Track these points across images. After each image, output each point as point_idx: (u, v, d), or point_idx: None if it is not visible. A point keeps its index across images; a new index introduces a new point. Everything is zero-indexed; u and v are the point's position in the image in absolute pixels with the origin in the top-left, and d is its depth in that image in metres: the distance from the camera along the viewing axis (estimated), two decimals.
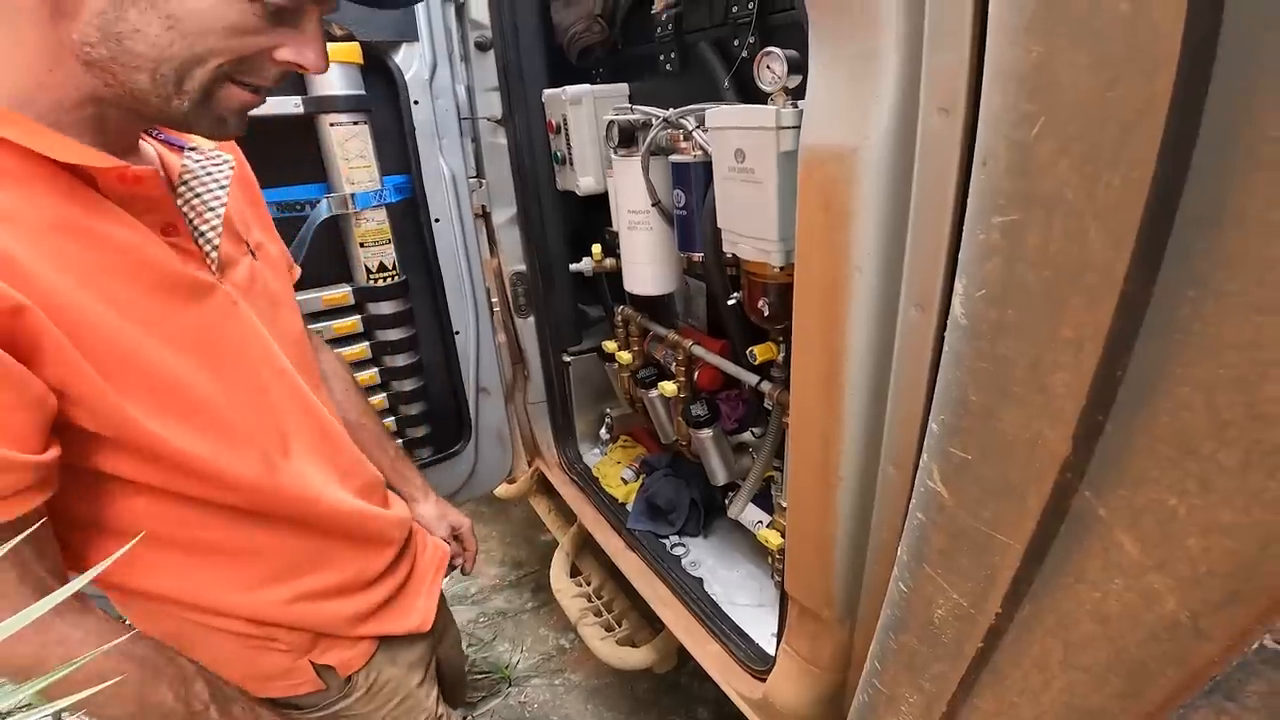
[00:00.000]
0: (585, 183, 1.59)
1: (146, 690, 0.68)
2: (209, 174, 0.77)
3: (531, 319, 1.91)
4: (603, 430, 2.04)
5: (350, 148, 1.40)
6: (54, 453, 0.60)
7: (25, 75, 0.60)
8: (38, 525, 0.61)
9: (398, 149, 1.52)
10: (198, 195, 0.74)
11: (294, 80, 1.35)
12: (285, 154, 1.39)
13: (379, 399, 1.63)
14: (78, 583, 0.39)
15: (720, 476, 1.54)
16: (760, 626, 1.38)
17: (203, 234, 0.73)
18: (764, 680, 1.15)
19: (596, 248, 1.67)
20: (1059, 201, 0.37)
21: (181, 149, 0.78)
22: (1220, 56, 0.32)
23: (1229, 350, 0.33)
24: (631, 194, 1.35)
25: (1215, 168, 0.33)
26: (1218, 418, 0.35)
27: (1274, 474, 0.34)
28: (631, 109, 1.34)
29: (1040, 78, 0.38)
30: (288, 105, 1.34)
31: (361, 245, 1.48)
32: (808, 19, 0.66)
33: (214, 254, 0.74)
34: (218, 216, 0.74)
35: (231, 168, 0.79)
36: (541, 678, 2.20)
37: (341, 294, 1.52)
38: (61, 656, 0.63)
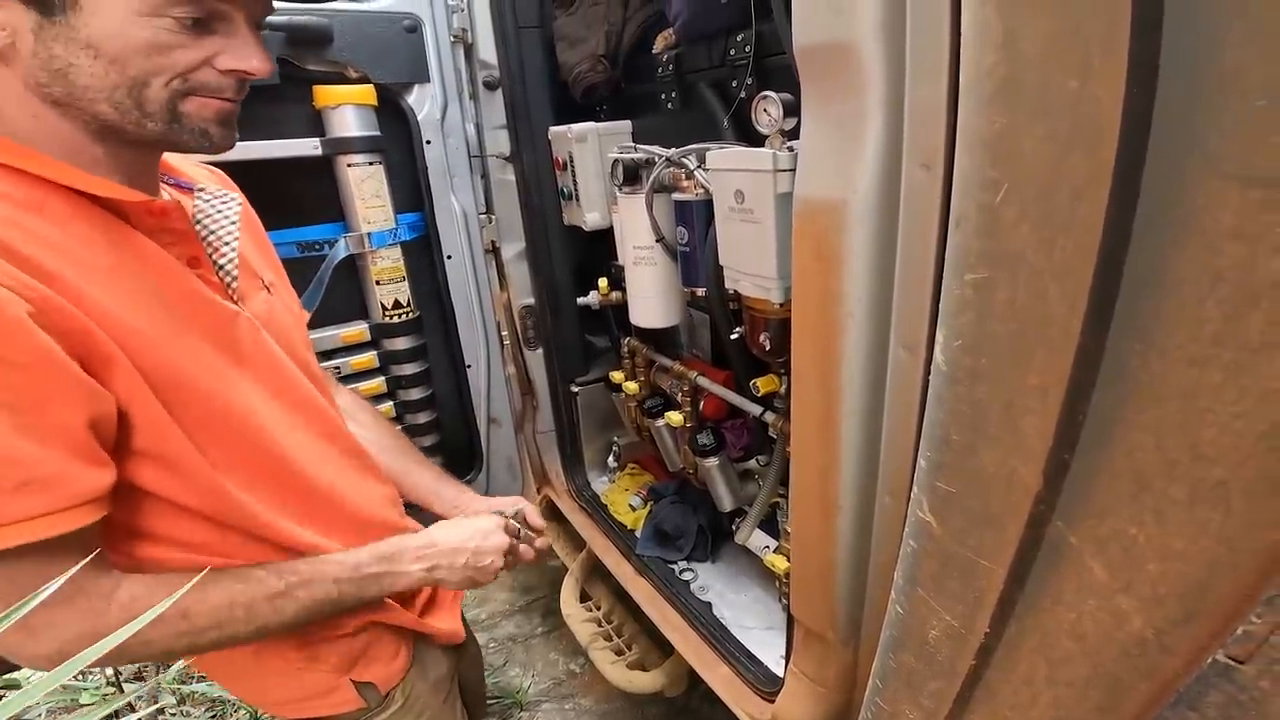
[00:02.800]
0: (591, 218, 1.65)
1: (228, 598, 0.75)
2: (219, 211, 0.82)
3: (540, 351, 1.95)
4: (610, 458, 2.09)
5: (366, 188, 1.46)
6: (111, 473, 0.66)
7: (32, 121, 0.65)
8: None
9: (411, 187, 1.58)
10: (212, 232, 0.80)
11: (313, 123, 1.41)
12: (304, 195, 1.45)
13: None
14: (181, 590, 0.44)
15: (727, 503, 1.57)
16: (769, 649, 1.41)
17: (222, 267, 0.79)
18: (772, 701, 1.18)
19: (603, 281, 1.72)
20: (1022, 262, 0.42)
21: (191, 190, 0.84)
22: (1154, 131, 0.36)
23: (1172, 399, 0.38)
24: (636, 230, 1.40)
25: (1154, 234, 0.37)
26: (1166, 457, 0.40)
27: (1215, 507, 0.38)
28: (635, 147, 1.39)
29: (1003, 146, 0.42)
30: (306, 147, 1.39)
31: (377, 283, 1.53)
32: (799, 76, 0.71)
33: (234, 284, 0.80)
34: (233, 250, 0.80)
35: (239, 204, 0.85)
36: (552, 702, 2.21)
37: (358, 331, 1.57)
38: (142, 608, 0.65)
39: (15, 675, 1.54)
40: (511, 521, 1.06)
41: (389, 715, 0.97)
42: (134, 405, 0.66)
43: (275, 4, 0.77)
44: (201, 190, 0.83)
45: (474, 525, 0.97)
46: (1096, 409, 0.41)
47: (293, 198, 1.44)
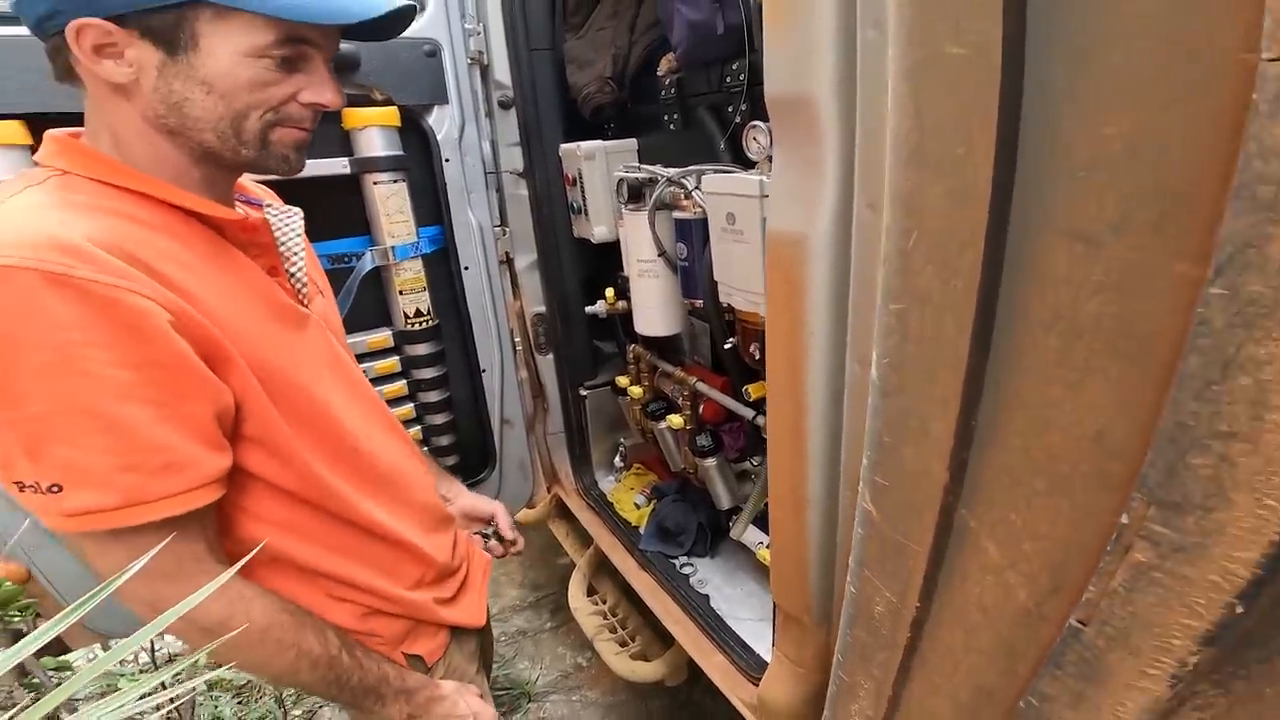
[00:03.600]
0: (599, 231, 1.75)
1: (298, 637, 0.84)
2: (288, 225, 0.93)
3: (551, 356, 2.05)
4: (617, 459, 2.19)
5: (391, 204, 1.56)
6: (229, 458, 0.77)
7: (148, 149, 0.76)
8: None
9: (431, 203, 1.68)
10: (283, 244, 0.91)
11: (342, 143, 1.52)
12: (335, 210, 1.54)
13: (414, 431, 1.77)
14: (241, 563, 0.56)
15: (724, 501, 1.67)
16: (761, 639, 1.49)
17: (294, 275, 0.90)
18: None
19: (610, 291, 1.81)
20: (928, 296, 0.52)
21: (260, 206, 0.94)
22: (1016, 193, 0.46)
23: (1031, 409, 0.48)
24: (640, 245, 1.50)
25: (1015, 277, 0.47)
26: (1030, 456, 0.50)
27: (1064, 496, 0.48)
28: (639, 167, 1.49)
29: (914, 201, 0.52)
30: (337, 166, 1.50)
31: (400, 293, 1.63)
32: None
33: (304, 290, 0.91)
34: (301, 259, 0.91)
35: (302, 219, 0.96)
36: (560, 694, 2.30)
37: (383, 337, 1.67)
38: (243, 610, 0.79)
39: (67, 658, 1.67)
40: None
41: None
42: (246, 398, 0.77)
43: None
44: (269, 206, 0.94)
45: (475, 706, 1.04)
46: (983, 416, 0.51)
47: (324, 213, 1.50)
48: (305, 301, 0.91)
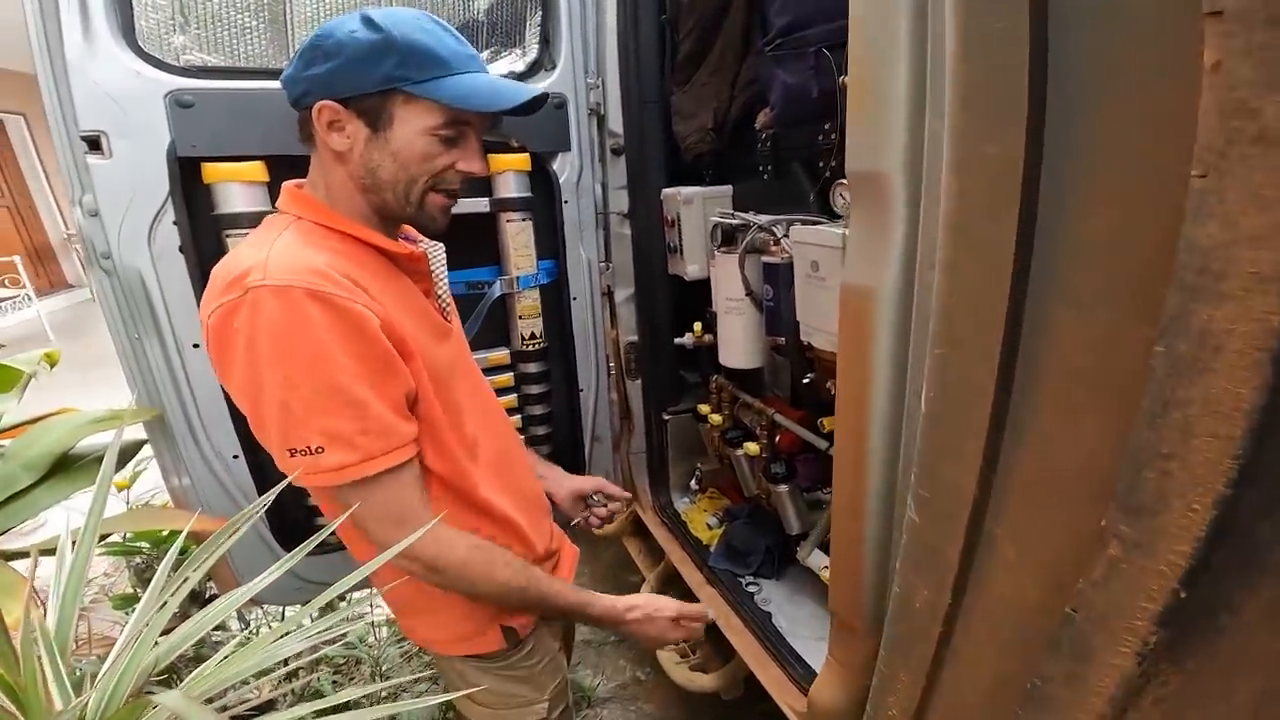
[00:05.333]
0: (692, 270, 1.88)
1: (490, 569, 1.05)
2: (436, 257, 1.14)
3: (639, 382, 2.20)
4: (693, 482, 2.28)
5: (519, 239, 1.76)
6: (415, 426, 0.98)
7: (342, 199, 1.00)
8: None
9: (549, 239, 1.87)
10: (434, 271, 1.13)
11: (484, 185, 1.73)
12: (475, 243, 1.75)
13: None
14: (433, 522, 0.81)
15: (794, 526, 1.77)
16: (817, 656, 1.55)
17: (440, 297, 1.12)
18: None
19: (698, 325, 1.92)
20: (964, 345, 0.66)
21: (415, 242, 1.16)
22: (1033, 269, 0.60)
23: (1039, 436, 0.61)
24: (729, 284, 1.64)
25: (1031, 335, 0.61)
26: (1039, 475, 0.63)
27: (1065, 507, 0.61)
28: (733, 214, 1.63)
29: (956, 268, 0.67)
30: (480, 205, 1.72)
31: (520, 318, 1.83)
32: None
33: (448, 309, 1.13)
34: (446, 284, 1.14)
35: (444, 252, 1.17)
36: (617, 703, 2.36)
37: (502, 355, 1.88)
38: (448, 549, 1.01)
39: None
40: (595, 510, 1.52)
41: (522, 655, 1.23)
42: (419, 388, 0.99)
43: None
44: (420, 242, 1.17)
45: (660, 613, 1.26)
46: (1005, 442, 0.65)
47: (465, 245, 1.70)
48: (448, 318, 1.13)
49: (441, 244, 1.18)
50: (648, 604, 1.25)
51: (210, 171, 1.40)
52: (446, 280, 1.14)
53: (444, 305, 1.13)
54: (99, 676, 0.72)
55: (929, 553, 0.78)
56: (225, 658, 0.80)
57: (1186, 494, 0.47)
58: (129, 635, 0.75)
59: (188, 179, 1.39)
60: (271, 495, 0.87)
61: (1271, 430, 0.42)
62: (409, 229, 1.20)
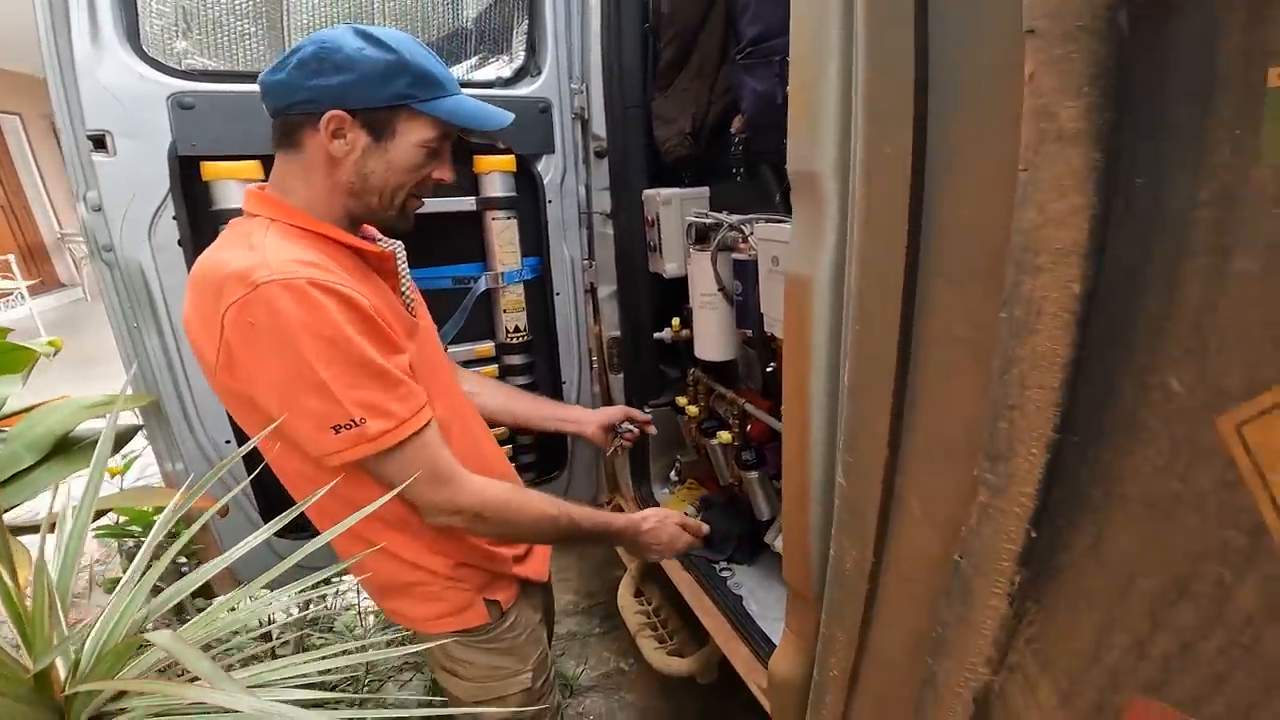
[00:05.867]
0: (670, 268, 1.93)
1: (529, 504, 1.16)
2: (398, 256, 1.21)
3: (621, 375, 2.25)
4: (672, 474, 2.36)
5: (504, 237, 1.84)
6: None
7: (319, 202, 1.05)
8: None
9: (533, 237, 1.95)
10: (400, 269, 1.20)
11: (471, 184, 1.81)
12: (460, 240, 1.83)
13: (500, 429, 1.96)
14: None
15: (764, 512, 1.84)
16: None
17: (404, 293, 1.20)
18: None
19: (676, 320, 2.00)
20: (873, 322, 0.74)
21: (376, 241, 1.19)
22: (920, 253, 0.69)
23: (932, 399, 0.69)
24: (703, 280, 1.70)
25: (922, 310, 0.69)
26: (933, 434, 0.71)
27: (954, 462, 0.69)
28: (707, 214, 1.70)
29: (865, 253, 0.75)
30: (466, 204, 1.79)
31: (504, 312, 1.91)
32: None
33: (411, 304, 1.20)
34: (408, 281, 1.21)
35: (404, 250, 1.24)
36: (600, 693, 2.41)
37: (487, 348, 1.96)
38: (488, 495, 1.10)
39: (211, 603, 1.96)
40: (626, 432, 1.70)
41: (505, 627, 1.28)
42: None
43: None
44: (380, 240, 1.21)
45: (672, 533, 1.40)
46: (907, 407, 0.73)
47: (451, 242, 1.82)
48: (413, 313, 1.20)
49: (401, 243, 1.25)
50: (657, 513, 1.40)
51: (209, 170, 1.47)
52: (410, 277, 1.21)
53: (409, 301, 1.20)
54: (97, 621, 0.80)
55: (854, 514, 0.86)
56: (210, 613, 0.88)
57: (1026, 439, 0.55)
58: (126, 582, 0.82)
59: (187, 177, 1.48)
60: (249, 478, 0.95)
61: (1085, 380, 0.50)
62: (368, 229, 1.24)
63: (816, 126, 0.90)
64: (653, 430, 1.80)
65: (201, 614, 0.87)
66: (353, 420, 0.94)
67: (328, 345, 0.92)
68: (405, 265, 1.22)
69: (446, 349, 1.56)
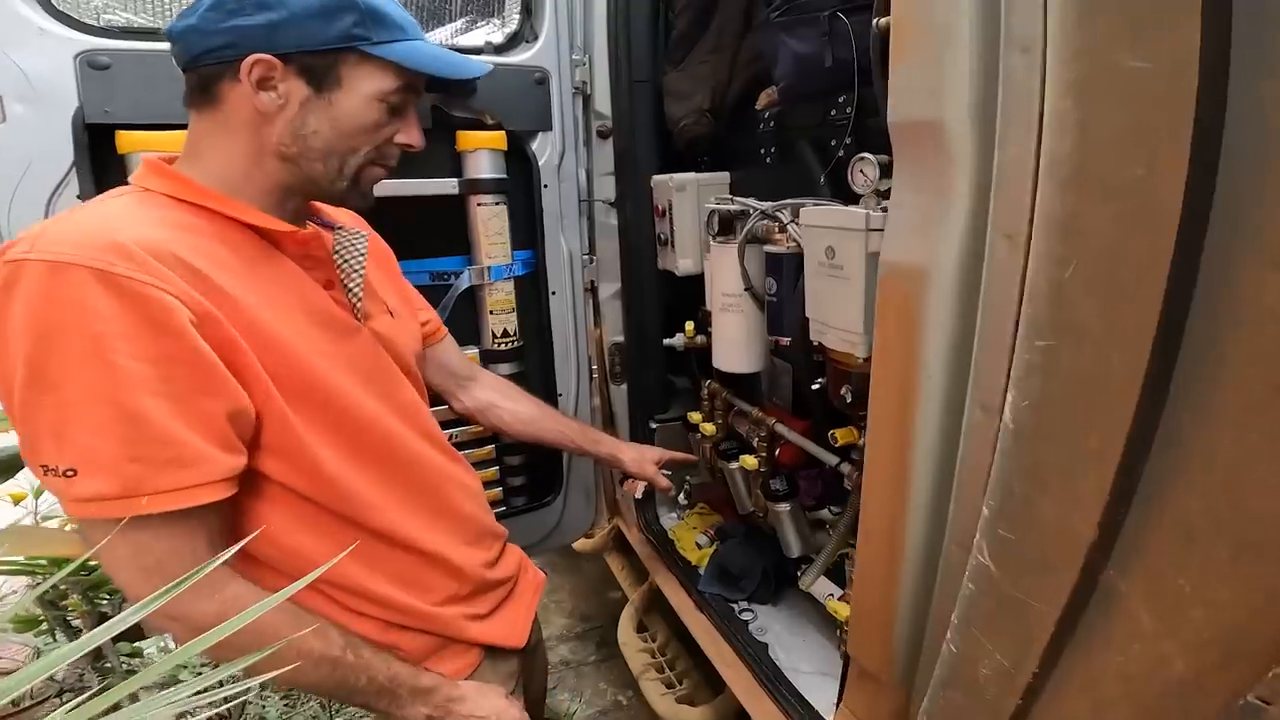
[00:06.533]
0: (684, 264, 1.75)
1: (298, 638, 0.83)
2: (353, 245, 0.99)
3: (624, 386, 2.07)
4: (681, 496, 2.12)
5: (491, 226, 1.62)
6: (242, 459, 0.79)
7: (237, 170, 0.86)
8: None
9: (526, 227, 1.73)
10: (345, 261, 0.97)
11: (453, 165, 1.59)
12: (440, 229, 1.61)
13: (487, 449, 1.80)
14: (236, 546, 0.56)
15: (794, 549, 1.61)
16: (820, 694, 1.43)
17: (350, 290, 0.96)
18: None
19: (689, 325, 1.81)
20: (1086, 332, 0.48)
21: (331, 229, 1.01)
22: (1213, 221, 0.43)
23: (1219, 462, 0.43)
24: (726, 278, 1.49)
25: (1209, 313, 0.43)
26: (1214, 517, 0.45)
27: (1258, 562, 0.43)
28: (732, 199, 1.48)
29: (1073, 225, 0.49)
30: (447, 186, 1.57)
31: (491, 312, 1.69)
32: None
33: (359, 304, 0.96)
34: (360, 277, 0.97)
35: (366, 240, 1.02)
36: None
37: (470, 355, 1.69)
38: (237, 609, 0.76)
39: (140, 644, 1.70)
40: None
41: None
42: (266, 406, 0.81)
43: None
44: (340, 228, 1.01)
45: (499, 706, 1.03)
46: (1151, 470, 0.47)
47: (430, 231, 1.61)
48: (359, 316, 0.97)
49: (363, 233, 1.03)
50: (478, 688, 1.04)
51: (125, 140, 1.26)
52: (360, 270, 0.98)
53: (354, 300, 0.97)
54: None
55: (1009, 610, 0.61)
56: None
57: None
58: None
59: (99, 149, 1.27)
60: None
61: None
62: (333, 215, 1.05)
63: (939, 58, 0.67)
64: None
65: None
66: (59, 467, 0.70)
67: (69, 357, 0.69)
68: (360, 256, 0.99)
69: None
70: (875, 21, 0.86)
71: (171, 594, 0.52)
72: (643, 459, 1.55)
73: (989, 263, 0.65)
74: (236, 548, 0.55)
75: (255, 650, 0.75)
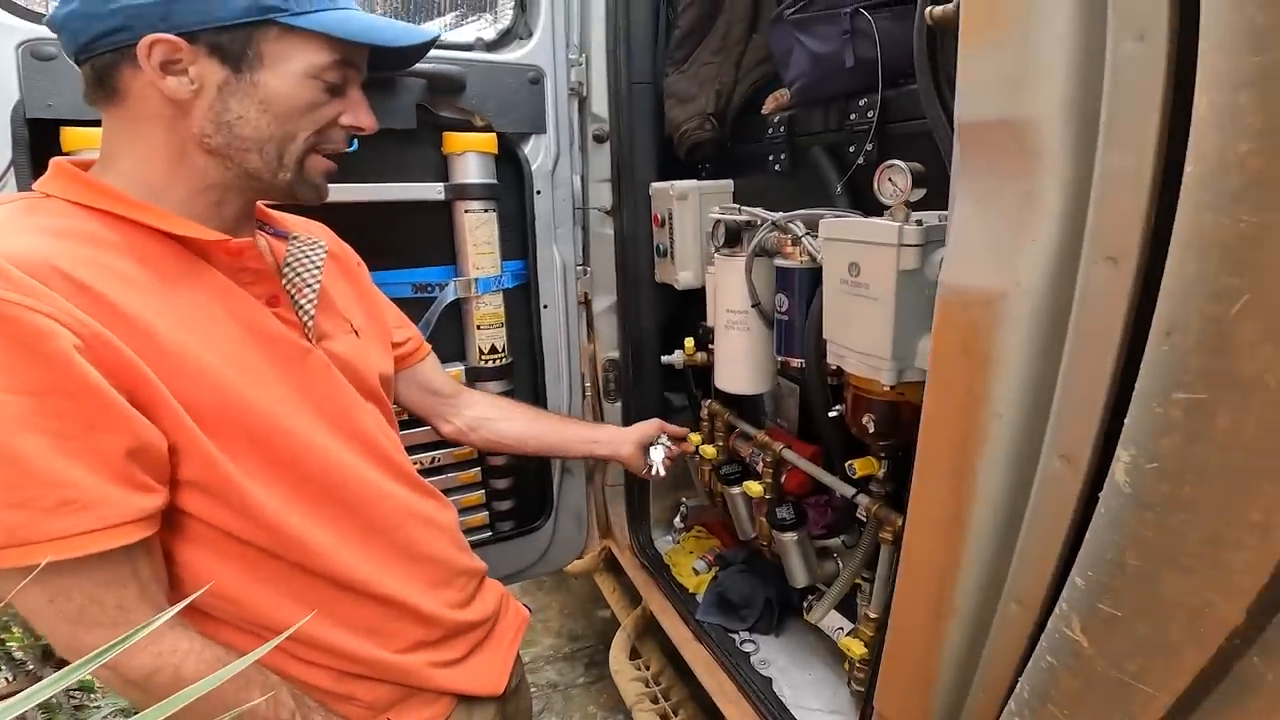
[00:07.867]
0: (684, 277, 1.68)
1: (241, 695, 0.76)
2: (307, 256, 0.91)
3: (619, 405, 1.99)
4: (677, 519, 2.06)
5: (479, 234, 1.54)
6: (156, 499, 0.70)
7: (157, 172, 0.77)
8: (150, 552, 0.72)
9: (518, 236, 1.67)
10: (298, 274, 0.88)
11: (439, 168, 1.52)
12: (423, 238, 1.54)
13: (473, 472, 1.72)
14: (179, 605, 0.46)
15: (800, 579, 1.52)
16: None
17: (301, 306, 0.87)
18: None
19: (689, 341, 1.72)
20: (1259, 387, 0.39)
21: (285, 238, 0.93)
22: None
23: None
24: (732, 293, 1.40)
25: None
26: None
27: None
28: (739, 209, 1.40)
29: (1249, 251, 0.39)
30: (432, 192, 1.49)
31: (478, 327, 1.62)
32: (953, 152, 0.69)
33: (310, 323, 0.87)
34: (314, 292, 0.88)
35: (325, 250, 0.93)
36: None
37: (455, 372, 1.64)
38: (173, 664, 0.72)
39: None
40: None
41: None
42: (180, 438, 0.71)
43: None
44: (295, 238, 0.93)
45: None
46: None
47: (412, 240, 1.54)
48: (311, 335, 0.87)
49: (322, 243, 0.94)
50: None
51: (71, 138, 1.19)
52: (314, 284, 0.89)
53: (305, 318, 0.87)
54: None
55: (1104, 691, 0.52)
56: None
57: None
58: None
59: (40, 146, 1.19)
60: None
61: None
62: (286, 223, 0.96)
63: (1025, 47, 0.59)
64: (690, 449, 1.63)
65: None
66: None
67: None
68: (316, 268, 0.91)
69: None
70: (926, 10, 0.77)
71: (103, 659, 0.42)
72: (636, 441, 1.51)
73: (1083, 288, 0.56)
74: (173, 611, 0.45)
75: (192, 708, 0.68)
